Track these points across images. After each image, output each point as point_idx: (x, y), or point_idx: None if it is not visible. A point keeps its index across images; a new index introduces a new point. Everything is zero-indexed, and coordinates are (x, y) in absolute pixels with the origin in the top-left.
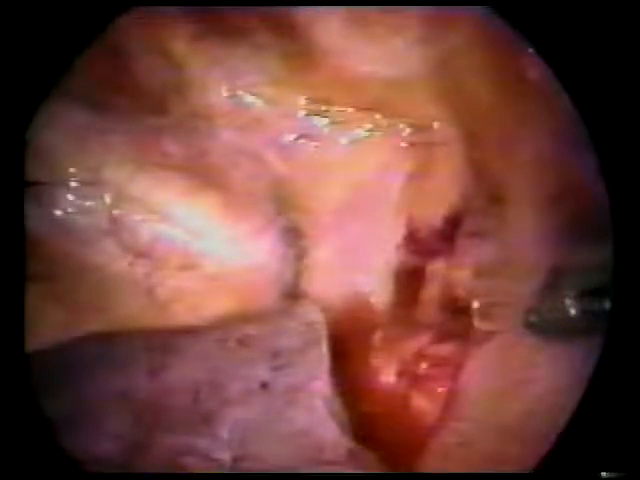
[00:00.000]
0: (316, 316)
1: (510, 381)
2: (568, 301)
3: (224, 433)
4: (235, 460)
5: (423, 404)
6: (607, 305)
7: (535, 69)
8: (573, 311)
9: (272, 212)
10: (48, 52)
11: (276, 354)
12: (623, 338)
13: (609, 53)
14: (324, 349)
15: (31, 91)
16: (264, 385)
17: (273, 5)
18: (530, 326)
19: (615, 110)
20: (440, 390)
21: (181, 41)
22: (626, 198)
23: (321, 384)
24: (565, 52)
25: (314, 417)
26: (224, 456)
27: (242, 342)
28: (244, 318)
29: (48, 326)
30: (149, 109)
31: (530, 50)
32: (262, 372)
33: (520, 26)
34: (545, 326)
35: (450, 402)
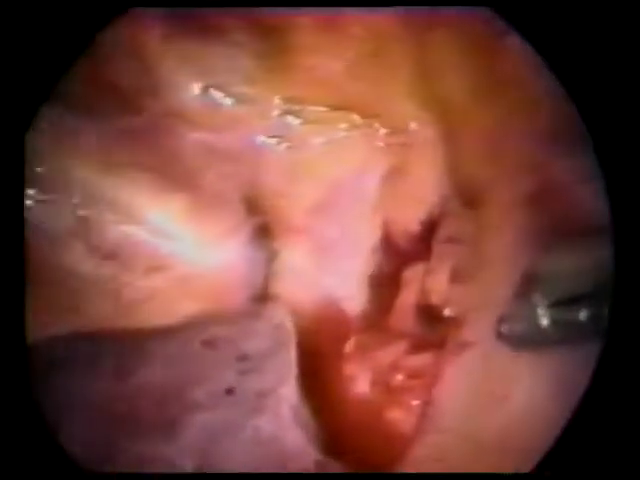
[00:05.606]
0: (284, 319)
1: (486, 393)
2: (540, 311)
3: (188, 439)
4: (198, 468)
5: (397, 416)
6: (581, 315)
7: (515, 69)
8: (545, 321)
9: (243, 213)
10: (39, 56)
11: (243, 357)
12: (606, 350)
13: (609, 53)
14: (292, 354)
15: (28, 93)
16: (230, 390)
17: (248, 5)
18: (502, 336)
19: (615, 110)
20: (415, 402)
21: (154, 40)
22: (625, 200)
23: (288, 390)
24: (564, 52)
25: (280, 424)
26: (186, 463)
27: (208, 344)
28: (210, 320)
29: None
30: (120, 108)
31: (512, 49)
32: (228, 376)
33: (519, 26)
34: (517, 336)
35: (425, 414)
